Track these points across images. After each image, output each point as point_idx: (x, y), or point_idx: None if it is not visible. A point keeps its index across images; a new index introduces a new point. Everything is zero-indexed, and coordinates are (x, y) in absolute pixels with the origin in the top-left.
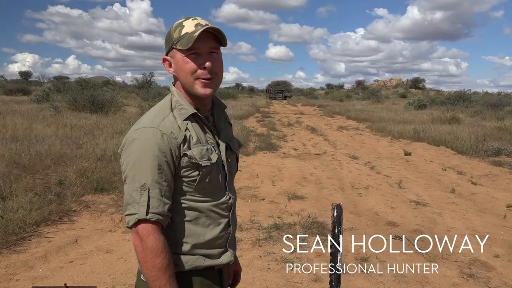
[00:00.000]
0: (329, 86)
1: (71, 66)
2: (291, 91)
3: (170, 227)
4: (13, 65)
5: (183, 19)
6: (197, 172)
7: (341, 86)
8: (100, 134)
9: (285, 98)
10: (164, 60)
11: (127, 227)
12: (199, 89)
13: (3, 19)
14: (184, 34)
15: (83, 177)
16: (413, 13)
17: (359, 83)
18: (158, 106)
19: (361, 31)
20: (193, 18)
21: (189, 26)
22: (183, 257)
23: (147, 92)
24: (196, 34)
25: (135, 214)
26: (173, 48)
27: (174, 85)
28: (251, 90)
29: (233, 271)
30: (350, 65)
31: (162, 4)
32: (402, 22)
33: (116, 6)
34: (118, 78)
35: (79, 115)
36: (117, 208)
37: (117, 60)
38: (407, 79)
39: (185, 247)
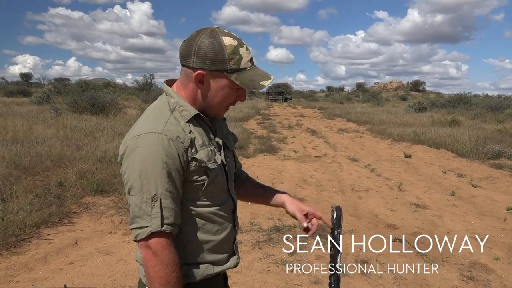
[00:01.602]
0: (329, 88)
1: (72, 68)
2: (291, 93)
3: (178, 236)
4: (14, 67)
5: (236, 43)
6: (205, 176)
7: (341, 89)
8: (100, 136)
9: (285, 100)
10: (201, 74)
11: (135, 240)
12: (223, 114)
13: (4, 21)
14: (242, 68)
15: (83, 179)
16: (414, 15)
17: (360, 86)
18: (155, 109)
19: (361, 33)
20: (245, 46)
21: (245, 60)
22: (194, 268)
23: (148, 94)
24: (266, 84)
25: (147, 227)
26: (223, 72)
27: (169, 85)
28: (252, 92)
29: (308, 213)
30: (350, 68)
31: (163, 6)
32: (402, 25)
33: (117, 8)
34: (119, 80)
35: (80, 117)
36: (117, 210)
37: (118, 62)
38: (408, 82)
39: (195, 257)
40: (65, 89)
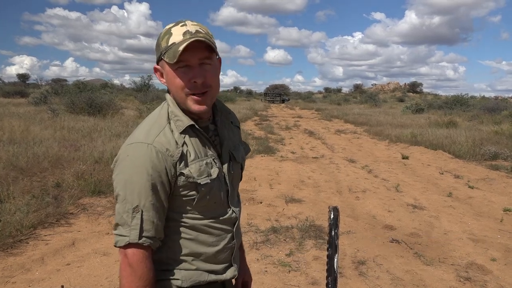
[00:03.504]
0: (327, 89)
1: (69, 69)
2: (289, 94)
3: (170, 246)
4: (11, 68)
5: (172, 25)
6: (195, 192)
7: (339, 90)
8: (98, 136)
9: (283, 101)
10: (156, 70)
11: (115, 245)
12: (192, 105)
13: (1, 22)
14: (171, 44)
15: (80, 180)
16: (411, 17)
17: (357, 87)
18: (155, 116)
19: (359, 35)
20: (182, 23)
21: (177, 35)
22: (185, 273)
23: (145, 95)
24: (181, 48)
25: (125, 236)
26: (161, 58)
27: (169, 92)
28: (249, 93)
29: (242, 282)
30: (348, 69)
31: (161, 7)
32: (400, 27)
33: (114, 9)
34: (116, 81)
35: (77, 118)
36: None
37: (115, 63)
38: (405, 83)
39: (187, 265)
40: (63, 89)
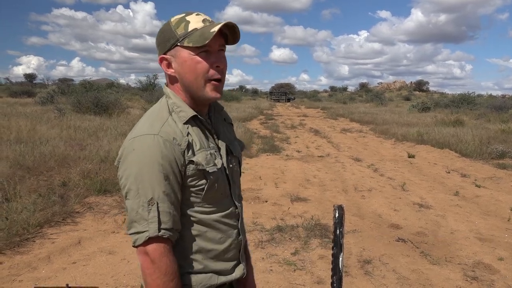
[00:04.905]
0: (332, 88)
1: (76, 69)
2: (294, 93)
3: (178, 243)
4: (18, 68)
5: (183, 14)
6: (204, 180)
7: (344, 89)
8: (104, 136)
9: (288, 100)
10: (162, 59)
11: (134, 246)
12: (210, 92)
13: (8, 22)
14: (192, 29)
15: (86, 179)
16: (417, 15)
17: (363, 86)
18: (155, 111)
19: (364, 33)
20: (196, 13)
21: (196, 22)
22: (195, 277)
23: (151, 94)
24: (216, 29)
25: (144, 232)
26: (176, 45)
27: (167, 86)
28: (255, 92)
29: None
30: (353, 68)
31: (166, 6)
32: (406, 25)
33: (120, 9)
34: (122, 81)
35: (83, 117)
36: (120, 210)
37: (121, 63)
38: (411, 82)
39: (196, 265)
40: (69, 89)
